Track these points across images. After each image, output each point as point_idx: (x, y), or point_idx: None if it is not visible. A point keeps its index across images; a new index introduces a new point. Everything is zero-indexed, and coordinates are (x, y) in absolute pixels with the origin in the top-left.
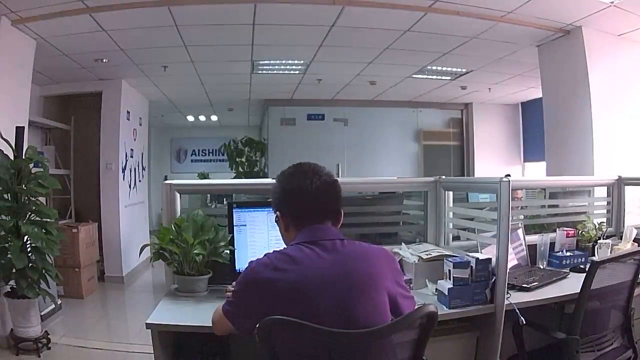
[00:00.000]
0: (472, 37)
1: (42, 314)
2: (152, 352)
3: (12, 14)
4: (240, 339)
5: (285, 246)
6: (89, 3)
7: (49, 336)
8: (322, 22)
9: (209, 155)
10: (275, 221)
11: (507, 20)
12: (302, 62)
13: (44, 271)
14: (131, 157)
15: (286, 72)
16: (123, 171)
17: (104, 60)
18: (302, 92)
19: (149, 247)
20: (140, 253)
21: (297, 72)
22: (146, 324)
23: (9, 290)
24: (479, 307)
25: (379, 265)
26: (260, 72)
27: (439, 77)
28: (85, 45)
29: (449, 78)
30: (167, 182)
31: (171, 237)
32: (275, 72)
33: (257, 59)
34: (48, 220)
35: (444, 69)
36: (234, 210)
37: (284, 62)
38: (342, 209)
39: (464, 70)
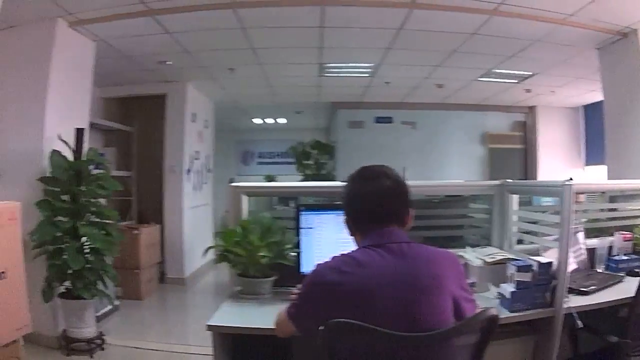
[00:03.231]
0: (535, 40)
1: (98, 314)
2: (211, 353)
3: (69, 15)
4: (302, 342)
5: (353, 248)
6: (151, 5)
7: (103, 337)
8: (390, 24)
9: (275, 157)
10: (344, 223)
11: (568, 23)
12: (370, 65)
13: (101, 272)
14: (197, 159)
15: (354, 75)
16: (188, 173)
17: (168, 63)
18: (370, 95)
19: (213, 249)
20: (204, 254)
21: (365, 75)
22: (207, 325)
23: (64, 291)
24: (539, 310)
25: (443, 268)
26: (328, 74)
27: (504, 80)
28: (147, 47)
29: (514, 81)
30: (233, 184)
31: (236, 239)
32: (343, 74)
33: (325, 61)
34: (108, 221)
35: (509, 72)
36: (301, 212)
37: (352, 65)
38: (410, 212)
39: (528, 73)
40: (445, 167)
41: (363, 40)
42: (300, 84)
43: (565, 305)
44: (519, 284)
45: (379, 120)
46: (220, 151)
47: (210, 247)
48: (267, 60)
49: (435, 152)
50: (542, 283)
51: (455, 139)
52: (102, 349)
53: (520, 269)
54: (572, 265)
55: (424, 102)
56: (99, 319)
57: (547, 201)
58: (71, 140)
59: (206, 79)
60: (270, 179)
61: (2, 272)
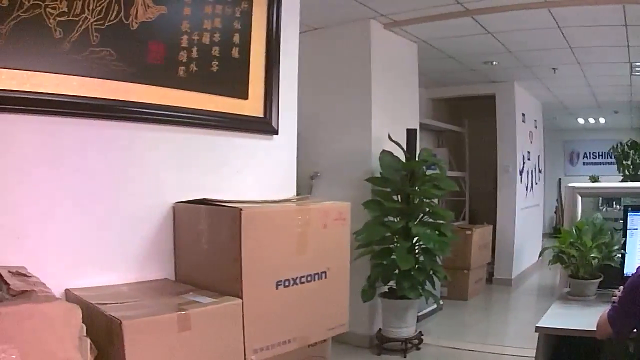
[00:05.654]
0: None
1: (420, 314)
2: (525, 354)
3: (382, 17)
4: (613, 345)
5: None
6: (468, 6)
7: (421, 337)
8: None
9: (597, 157)
10: None
11: None
12: None
13: (431, 272)
14: (528, 159)
15: None
16: (520, 174)
17: (494, 63)
18: None
19: (546, 250)
20: (539, 256)
21: None
22: (536, 327)
23: (386, 290)
24: None
25: None
26: (637, 73)
27: None
28: (470, 48)
29: None
30: (570, 184)
31: (571, 240)
32: None
33: (634, 60)
34: (442, 222)
35: None
36: (629, 213)
37: None
38: None
39: None
40: None
41: None
42: (613, 83)
43: None
44: None
45: None
46: (547, 151)
47: (545, 249)
48: (584, 59)
49: None
50: None
51: None
52: (418, 349)
53: None
54: None
55: None
56: (419, 319)
57: None
58: (402, 141)
59: (531, 79)
60: (594, 179)
61: (324, 272)
